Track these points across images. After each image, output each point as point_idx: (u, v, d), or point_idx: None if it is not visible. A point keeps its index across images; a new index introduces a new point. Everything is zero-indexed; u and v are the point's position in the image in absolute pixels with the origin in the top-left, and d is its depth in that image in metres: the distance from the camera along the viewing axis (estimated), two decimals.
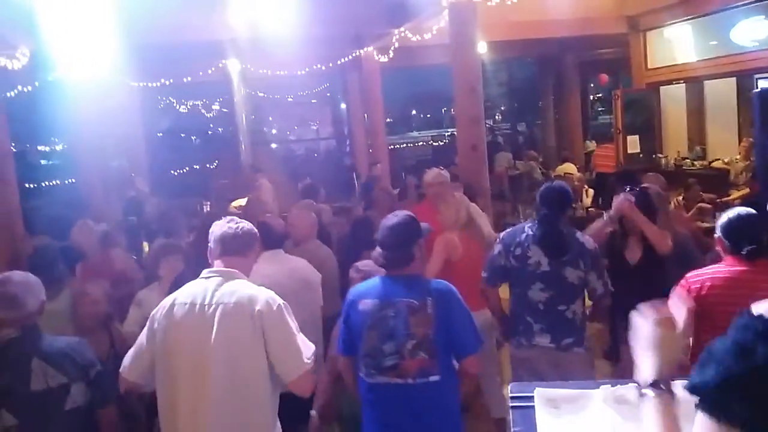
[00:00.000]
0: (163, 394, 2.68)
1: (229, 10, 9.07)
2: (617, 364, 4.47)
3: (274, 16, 8.73)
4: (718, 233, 3.27)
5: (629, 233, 4.31)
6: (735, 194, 8.64)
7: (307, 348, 2.72)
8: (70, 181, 12.93)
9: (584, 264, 3.75)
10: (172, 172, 17.96)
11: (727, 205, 8.07)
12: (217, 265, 2.75)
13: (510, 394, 1.61)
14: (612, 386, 1.57)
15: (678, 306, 3.00)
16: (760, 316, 1.00)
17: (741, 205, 7.85)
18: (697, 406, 1.03)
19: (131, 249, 6.14)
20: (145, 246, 6.38)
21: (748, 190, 8.39)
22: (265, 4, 8.77)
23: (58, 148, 18.02)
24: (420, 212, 3.62)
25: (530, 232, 3.86)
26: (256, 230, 2.89)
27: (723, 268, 3.22)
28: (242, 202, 8.26)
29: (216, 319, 2.61)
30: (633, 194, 4.30)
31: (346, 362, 3.15)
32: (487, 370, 4.21)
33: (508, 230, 4.07)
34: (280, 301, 2.69)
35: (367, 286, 3.05)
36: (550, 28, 11.83)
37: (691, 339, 3.17)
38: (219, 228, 2.80)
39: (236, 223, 2.81)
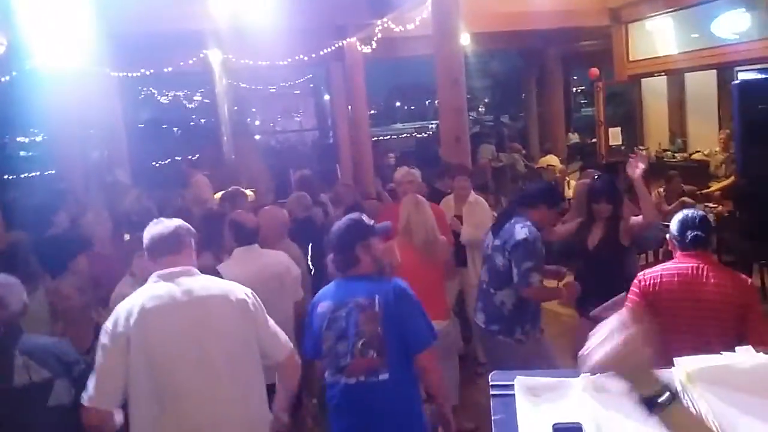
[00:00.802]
0: (147, 406, 2.55)
1: None
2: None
3: (256, 5, 8.66)
4: (668, 235, 3.42)
5: (595, 220, 4.49)
6: (715, 186, 8.72)
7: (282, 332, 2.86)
8: (49, 172, 12.76)
9: (508, 252, 3.94)
10: (153, 163, 17.80)
11: (708, 197, 8.19)
12: (164, 266, 2.69)
13: (491, 382, 1.60)
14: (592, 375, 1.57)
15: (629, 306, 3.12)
16: None
17: (722, 195, 7.94)
18: None
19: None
20: (126, 237, 6.32)
21: (728, 181, 8.46)
22: None
23: (38, 139, 17.82)
24: (390, 210, 3.68)
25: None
26: (185, 226, 2.81)
27: (672, 264, 3.32)
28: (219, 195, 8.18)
29: (205, 313, 2.61)
30: (600, 180, 4.53)
31: (311, 364, 3.17)
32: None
33: None
34: (247, 289, 2.79)
35: (326, 289, 3.13)
36: (533, 20, 11.84)
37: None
38: (149, 232, 2.75)
39: (164, 224, 2.76)
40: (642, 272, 3.41)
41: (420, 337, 2.96)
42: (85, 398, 2.54)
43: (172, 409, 2.54)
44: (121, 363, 2.53)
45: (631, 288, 3.39)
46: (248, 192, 8.08)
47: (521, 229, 3.95)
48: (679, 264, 3.29)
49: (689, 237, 3.25)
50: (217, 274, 3.28)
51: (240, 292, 2.73)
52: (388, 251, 4.09)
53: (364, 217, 3.18)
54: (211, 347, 2.58)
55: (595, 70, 17.02)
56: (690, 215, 3.34)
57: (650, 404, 1.27)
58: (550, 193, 4.27)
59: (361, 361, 2.90)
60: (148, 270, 4.01)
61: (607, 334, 1.32)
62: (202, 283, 2.68)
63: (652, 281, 3.29)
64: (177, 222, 2.79)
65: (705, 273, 3.19)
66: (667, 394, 1.27)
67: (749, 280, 3.14)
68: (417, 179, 5.35)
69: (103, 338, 2.56)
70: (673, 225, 3.34)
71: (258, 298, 2.77)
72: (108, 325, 2.58)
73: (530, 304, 4.01)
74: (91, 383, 2.54)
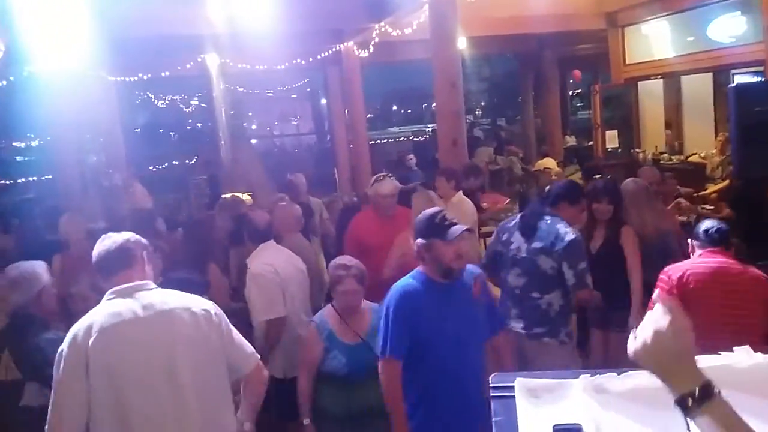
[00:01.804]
0: (111, 426, 2.43)
1: (208, 3, 8.99)
2: (587, 351, 4.54)
3: (254, 10, 8.67)
4: (690, 242, 3.53)
5: (597, 223, 4.44)
6: (711, 188, 8.73)
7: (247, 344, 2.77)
8: (47, 177, 12.76)
9: (558, 254, 3.80)
10: (151, 167, 17.80)
11: (704, 199, 8.20)
12: (118, 282, 2.56)
13: (491, 384, 1.61)
14: (591, 376, 1.58)
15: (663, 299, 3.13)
16: None
17: (718, 198, 7.94)
18: None
19: None
20: None
21: (724, 183, 8.47)
22: None
23: (34, 144, 17.78)
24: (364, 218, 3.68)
25: (518, 220, 4.05)
26: (134, 239, 2.68)
27: (699, 259, 3.42)
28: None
29: (168, 327, 2.51)
30: (602, 184, 4.49)
31: (398, 366, 3.01)
32: None
33: (506, 219, 4.36)
34: (208, 301, 2.70)
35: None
36: (530, 24, 11.88)
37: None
38: (97, 249, 2.62)
39: (111, 239, 2.64)
40: (667, 268, 3.47)
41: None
42: (46, 427, 2.39)
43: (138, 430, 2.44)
44: (79, 387, 2.38)
45: (658, 284, 3.42)
46: (245, 196, 8.10)
47: (566, 229, 3.86)
48: (706, 259, 3.39)
49: (714, 229, 3.38)
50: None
51: (201, 303, 2.63)
52: (401, 242, 4.15)
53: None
54: (177, 362, 2.48)
55: (578, 73, 17.08)
56: (710, 222, 3.53)
57: (684, 402, 1.16)
58: (572, 190, 4.16)
59: None
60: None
61: (650, 323, 1.23)
62: (162, 297, 2.58)
63: (680, 275, 3.35)
64: (126, 235, 2.67)
65: (733, 266, 3.31)
66: (705, 390, 1.15)
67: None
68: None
69: (60, 362, 2.41)
70: (695, 231, 3.52)
71: (220, 309, 2.68)
72: (64, 347, 2.43)
73: (572, 306, 3.95)
74: (55, 412, 2.39)
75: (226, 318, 2.66)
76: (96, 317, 2.46)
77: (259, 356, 2.75)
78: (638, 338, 1.24)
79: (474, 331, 3.05)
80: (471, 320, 3.03)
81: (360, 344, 3.36)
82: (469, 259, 4.56)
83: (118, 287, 2.53)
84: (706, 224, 3.49)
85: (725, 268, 3.30)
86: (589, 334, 4.50)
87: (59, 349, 2.43)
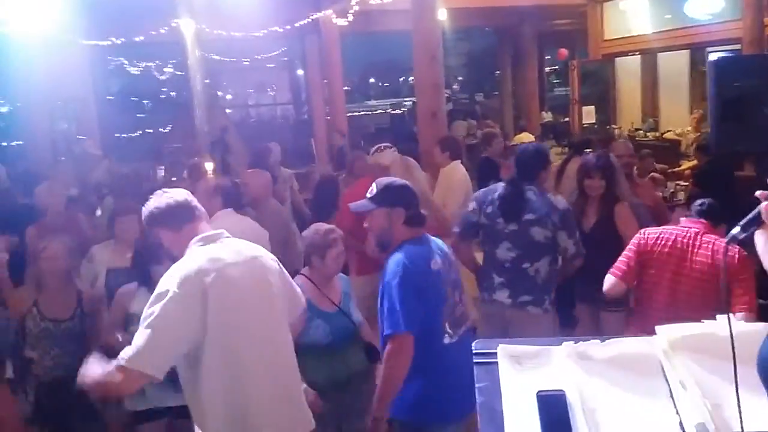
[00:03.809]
0: (218, 377, 2.39)
1: None
2: (574, 326, 4.55)
3: None
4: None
5: (589, 199, 4.28)
6: (686, 164, 8.83)
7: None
8: (17, 143, 12.48)
9: (552, 223, 3.75)
10: (124, 135, 17.50)
11: (679, 175, 8.30)
12: (189, 233, 2.53)
13: (474, 350, 1.61)
14: (575, 343, 1.58)
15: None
16: None
17: (691, 175, 8.03)
18: None
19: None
20: (98, 211, 6.24)
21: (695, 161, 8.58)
22: None
23: (4, 110, 17.38)
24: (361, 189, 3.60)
25: (502, 193, 3.90)
26: (188, 193, 2.68)
27: (675, 226, 3.45)
28: None
29: (263, 272, 2.58)
30: (594, 159, 4.35)
31: (411, 341, 2.86)
32: None
33: (483, 189, 4.14)
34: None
35: (416, 249, 2.90)
36: None
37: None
38: (161, 202, 2.57)
39: (168, 195, 2.61)
40: (644, 229, 3.51)
41: None
42: (127, 357, 2.25)
43: (245, 378, 2.43)
44: (187, 324, 2.32)
45: (630, 244, 3.47)
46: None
47: (557, 198, 3.85)
48: (680, 226, 3.40)
49: (701, 202, 3.39)
50: None
51: (267, 251, 2.74)
52: None
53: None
54: (275, 305, 2.58)
55: (564, 51, 17.09)
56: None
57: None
58: (541, 156, 4.03)
59: (462, 308, 2.99)
60: (132, 233, 4.04)
61: None
62: (243, 245, 2.61)
63: (649, 238, 3.39)
64: (181, 191, 2.67)
65: (699, 239, 3.28)
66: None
67: (743, 254, 3.11)
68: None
69: (165, 300, 2.29)
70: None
71: None
72: (171, 287, 2.31)
73: (556, 273, 3.91)
74: (142, 342, 2.25)
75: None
76: (199, 260, 2.43)
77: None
78: None
79: None
80: None
81: (337, 312, 3.36)
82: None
83: (204, 234, 2.53)
84: (698, 197, 3.55)
85: (691, 239, 3.30)
86: (576, 310, 4.47)
87: (161, 290, 2.32)
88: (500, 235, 3.86)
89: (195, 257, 2.45)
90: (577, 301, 4.39)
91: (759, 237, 1.63)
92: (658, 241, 3.37)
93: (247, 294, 2.48)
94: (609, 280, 3.45)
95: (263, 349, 2.50)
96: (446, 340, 2.87)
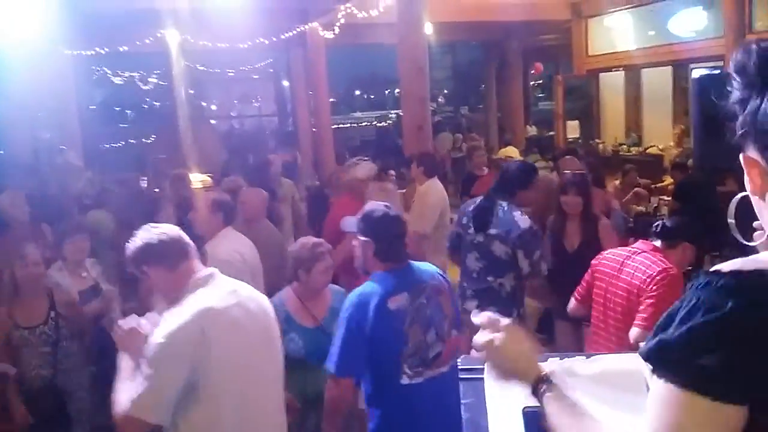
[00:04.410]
0: (228, 413, 2.31)
1: None
2: (551, 342, 4.54)
3: None
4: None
5: (568, 219, 4.26)
6: (668, 180, 8.92)
7: None
8: None
9: (512, 241, 3.85)
10: (106, 145, 17.38)
11: (662, 190, 8.37)
12: (184, 273, 2.40)
13: (460, 366, 1.60)
14: (560, 359, 1.58)
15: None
16: (722, 272, 0.91)
17: (674, 190, 8.09)
18: (655, 371, 0.94)
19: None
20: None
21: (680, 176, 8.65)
22: None
23: None
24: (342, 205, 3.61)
25: (476, 205, 4.09)
26: (179, 232, 2.52)
27: (622, 248, 3.43)
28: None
29: (262, 312, 2.54)
30: (571, 176, 4.44)
31: (349, 384, 2.84)
32: None
33: (468, 201, 4.37)
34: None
35: (380, 284, 2.75)
36: (496, 11, 11.92)
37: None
38: (153, 238, 2.39)
39: (159, 229, 2.45)
40: (605, 251, 3.53)
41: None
42: (126, 406, 2.18)
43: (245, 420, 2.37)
44: (187, 368, 2.21)
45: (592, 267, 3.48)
46: (205, 177, 7.95)
47: (521, 217, 3.88)
48: (631, 247, 3.39)
49: (657, 223, 3.35)
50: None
51: (265, 298, 2.69)
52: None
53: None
54: (272, 344, 2.56)
55: (539, 66, 17.28)
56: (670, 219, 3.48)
57: (535, 392, 1.30)
58: (526, 173, 4.10)
59: (450, 343, 2.82)
60: (80, 255, 4.08)
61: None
62: (237, 285, 2.52)
63: (601, 259, 3.42)
64: (171, 227, 2.49)
65: (633, 258, 3.22)
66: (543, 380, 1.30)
67: (670, 270, 3.07)
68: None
69: (166, 346, 2.20)
70: None
71: None
72: (171, 330, 2.22)
73: (524, 289, 3.98)
74: (141, 390, 2.17)
75: None
76: (198, 303, 2.30)
77: None
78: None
79: None
80: None
81: (316, 329, 3.32)
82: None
83: (200, 275, 2.40)
84: (664, 219, 3.49)
85: (623, 262, 3.23)
86: (554, 329, 4.45)
87: (163, 334, 2.21)
88: (470, 245, 4.03)
89: (191, 300, 2.33)
90: (559, 318, 4.38)
91: None
92: (604, 261, 3.38)
93: (247, 334, 2.40)
94: (570, 303, 3.58)
95: (267, 389, 2.51)
96: (404, 380, 2.74)
